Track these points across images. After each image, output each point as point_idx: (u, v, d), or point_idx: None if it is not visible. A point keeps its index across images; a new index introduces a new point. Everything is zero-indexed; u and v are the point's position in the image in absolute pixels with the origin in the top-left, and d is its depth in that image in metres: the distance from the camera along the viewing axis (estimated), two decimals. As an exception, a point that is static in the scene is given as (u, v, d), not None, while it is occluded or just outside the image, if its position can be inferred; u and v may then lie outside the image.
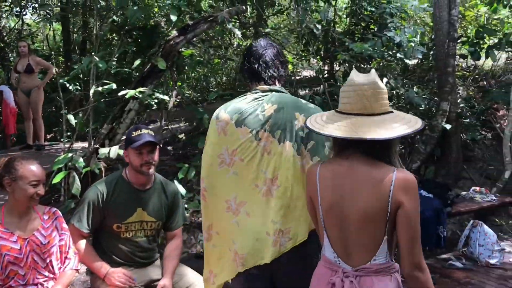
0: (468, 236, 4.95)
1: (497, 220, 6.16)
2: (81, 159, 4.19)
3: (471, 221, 5.00)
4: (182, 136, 7.10)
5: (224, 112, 2.23)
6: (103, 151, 3.97)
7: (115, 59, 4.68)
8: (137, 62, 4.73)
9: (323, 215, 1.84)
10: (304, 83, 8.76)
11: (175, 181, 3.85)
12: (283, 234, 2.08)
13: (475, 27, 7.54)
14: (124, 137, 5.41)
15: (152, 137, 2.71)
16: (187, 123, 8.35)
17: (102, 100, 4.69)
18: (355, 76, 1.78)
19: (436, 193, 4.94)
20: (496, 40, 7.03)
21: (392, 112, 1.78)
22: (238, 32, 4.77)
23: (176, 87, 4.87)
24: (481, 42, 6.95)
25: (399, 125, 1.73)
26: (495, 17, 7.88)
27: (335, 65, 7.67)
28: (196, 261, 3.44)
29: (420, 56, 5.34)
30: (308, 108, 2.21)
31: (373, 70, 1.83)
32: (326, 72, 6.33)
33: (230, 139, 2.17)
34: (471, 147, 7.22)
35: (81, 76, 7.74)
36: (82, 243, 2.69)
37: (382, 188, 1.72)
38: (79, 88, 8.82)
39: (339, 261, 1.83)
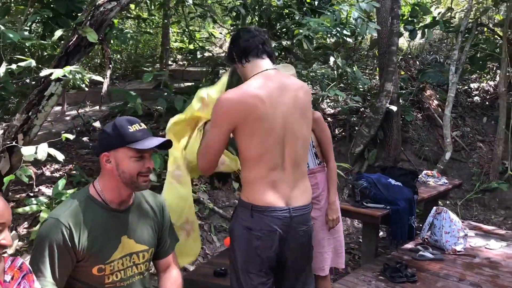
0: (432, 223, 4.73)
1: (440, 202, 6.13)
2: (-9, 162, 3.11)
3: (434, 208, 4.78)
4: (97, 124, 6.00)
5: None
6: (28, 150, 2.92)
7: (27, 28, 3.56)
8: (58, 33, 3.69)
9: None
10: (221, 59, 8.01)
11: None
12: None
13: (408, 5, 7.41)
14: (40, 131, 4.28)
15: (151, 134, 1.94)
16: (98, 108, 7.21)
17: (11, 82, 3.56)
18: None
19: (404, 181, 4.62)
20: (428, 19, 6.94)
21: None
22: (188, -1, 3.91)
23: (110, 65, 3.88)
24: (415, 20, 6.81)
25: None
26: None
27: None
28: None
29: (375, 34, 4.94)
30: None
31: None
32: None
33: None
34: (406, 129, 7.15)
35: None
36: None
37: None
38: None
39: None
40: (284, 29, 5.26)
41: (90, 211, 1.86)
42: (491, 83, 8.61)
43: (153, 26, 8.23)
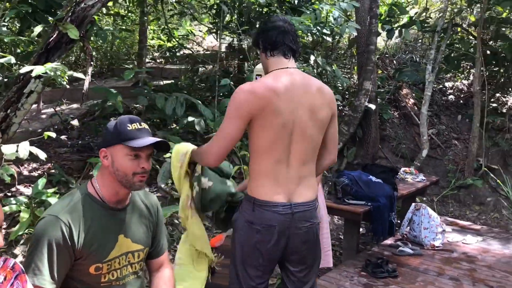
0: (411, 219, 4.82)
1: (417, 199, 6.24)
2: (-31, 161, 3.03)
3: (413, 204, 4.87)
4: (75, 122, 5.89)
5: None
6: (9, 149, 2.86)
7: (5, 24, 3.48)
8: (38, 29, 3.61)
9: None
10: (201, 57, 7.98)
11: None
12: None
13: (385, 5, 7.52)
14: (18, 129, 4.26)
15: (151, 135, 1.91)
16: (75, 105, 7.08)
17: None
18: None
19: (384, 178, 4.69)
20: (405, 19, 7.07)
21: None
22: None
23: (92, 63, 3.82)
24: (392, 20, 6.92)
25: None
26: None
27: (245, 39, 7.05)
28: None
29: (355, 33, 5.00)
30: None
31: None
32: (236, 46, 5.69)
33: None
34: (384, 127, 7.26)
35: None
36: None
37: None
38: None
39: None
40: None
41: (88, 209, 1.84)
42: (465, 82, 8.81)
43: (130, 24, 8.12)
